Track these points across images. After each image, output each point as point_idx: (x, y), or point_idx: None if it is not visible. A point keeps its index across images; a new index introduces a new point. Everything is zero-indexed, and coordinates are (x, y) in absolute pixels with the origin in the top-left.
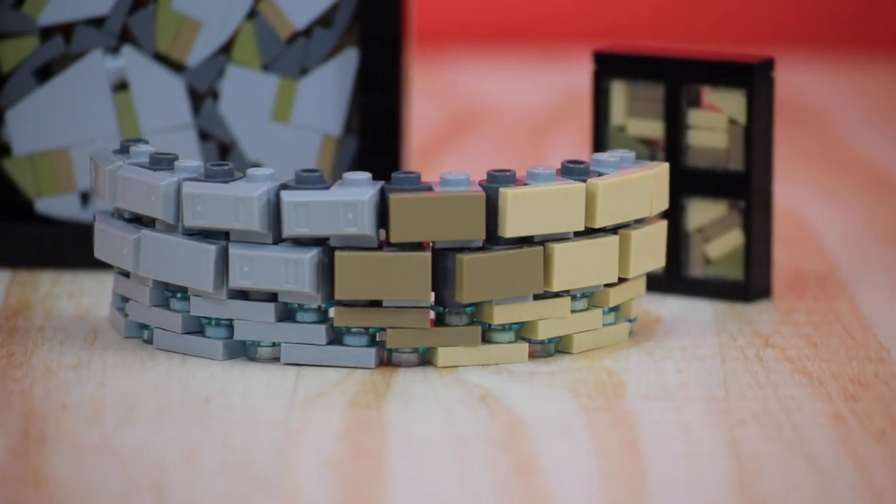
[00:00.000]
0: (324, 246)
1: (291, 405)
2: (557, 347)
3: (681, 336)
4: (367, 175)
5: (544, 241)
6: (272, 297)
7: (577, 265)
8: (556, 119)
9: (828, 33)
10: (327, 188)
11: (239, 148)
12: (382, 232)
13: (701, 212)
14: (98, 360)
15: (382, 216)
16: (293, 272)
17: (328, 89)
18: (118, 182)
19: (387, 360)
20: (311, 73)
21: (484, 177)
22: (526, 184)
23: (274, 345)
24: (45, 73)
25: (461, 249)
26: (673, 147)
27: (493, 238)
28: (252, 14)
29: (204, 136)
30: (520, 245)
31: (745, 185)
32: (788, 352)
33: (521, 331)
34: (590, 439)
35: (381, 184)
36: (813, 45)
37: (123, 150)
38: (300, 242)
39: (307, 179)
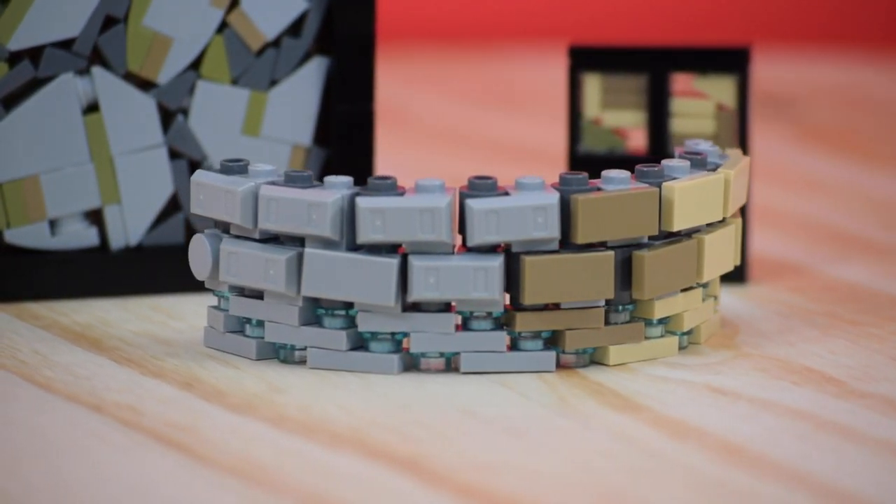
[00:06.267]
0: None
1: (552, 413)
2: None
3: (762, 320)
4: (539, 179)
5: (689, 233)
6: (444, 307)
7: (716, 255)
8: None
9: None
10: (506, 194)
11: (209, 163)
12: None
13: None
14: (279, 382)
15: (564, 218)
16: (483, 280)
17: (297, 99)
18: (262, 203)
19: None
20: (280, 85)
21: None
22: (675, 177)
23: (441, 354)
24: (12, 99)
25: (627, 246)
26: (657, 136)
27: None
28: (223, 27)
29: (174, 154)
30: (679, 238)
31: None
32: (888, 328)
33: (667, 324)
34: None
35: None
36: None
37: (234, 170)
38: (478, 250)
39: (482, 186)
